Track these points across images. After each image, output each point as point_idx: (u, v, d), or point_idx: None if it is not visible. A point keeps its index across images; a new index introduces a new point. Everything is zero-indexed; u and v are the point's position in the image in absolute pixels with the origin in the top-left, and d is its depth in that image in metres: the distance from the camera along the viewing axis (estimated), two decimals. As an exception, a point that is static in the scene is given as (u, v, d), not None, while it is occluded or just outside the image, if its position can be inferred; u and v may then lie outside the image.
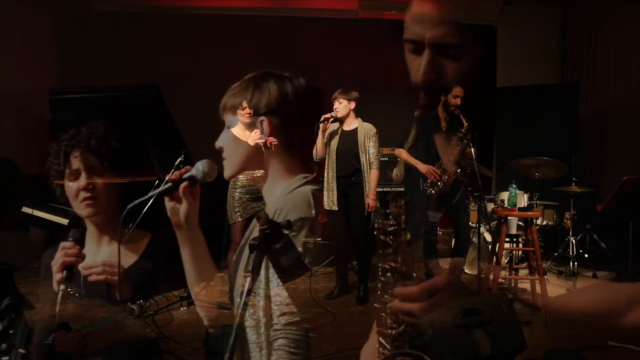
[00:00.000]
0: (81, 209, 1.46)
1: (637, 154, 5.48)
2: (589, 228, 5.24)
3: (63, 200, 1.52)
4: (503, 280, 4.49)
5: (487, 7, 6.96)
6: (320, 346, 3.11)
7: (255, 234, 1.22)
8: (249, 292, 0.92)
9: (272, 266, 0.99)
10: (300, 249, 1.07)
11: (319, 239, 1.15)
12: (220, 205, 4.21)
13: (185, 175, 1.17)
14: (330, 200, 4.30)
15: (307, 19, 6.75)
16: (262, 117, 1.21)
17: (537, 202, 4.59)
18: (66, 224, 4.51)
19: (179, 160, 3.98)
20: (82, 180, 1.44)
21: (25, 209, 4.53)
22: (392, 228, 0.89)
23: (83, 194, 1.44)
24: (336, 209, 4.30)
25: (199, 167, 1.16)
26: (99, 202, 1.45)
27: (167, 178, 1.17)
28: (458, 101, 4.15)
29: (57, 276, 1.31)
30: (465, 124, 4.06)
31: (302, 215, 1.11)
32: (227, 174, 1.25)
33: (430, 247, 4.23)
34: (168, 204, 1.19)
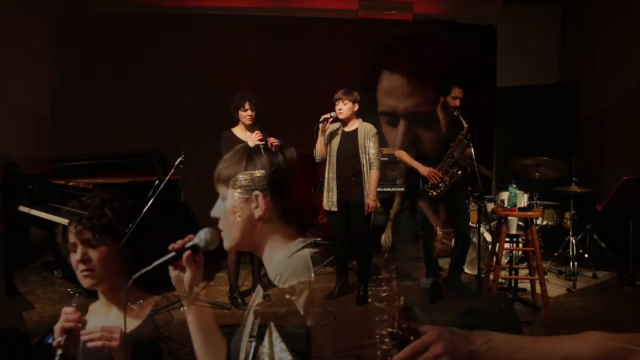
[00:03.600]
0: (82, 280, 1.49)
1: (637, 154, 5.48)
2: (589, 228, 5.24)
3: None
4: (503, 280, 4.49)
5: (487, 7, 6.97)
6: (320, 346, 3.11)
7: (259, 299, 1.22)
8: (255, 357, 0.93)
9: (276, 330, 1.00)
10: (301, 312, 1.09)
11: (319, 238, 1.16)
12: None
13: (188, 244, 1.19)
14: (330, 201, 4.30)
15: (307, 19, 6.75)
16: (257, 192, 1.21)
17: (537, 202, 4.59)
18: (66, 223, 4.52)
19: (179, 160, 3.99)
20: (78, 254, 1.47)
21: (22, 208, 4.53)
22: (385, 294, 0.92)
23: (80, 266, 1.47)
24: (336, 209, 4.30)
25: (202, 236, 1.18)
26: (96, 273, 1.47)
27: (170, 247, 1.19)
28: (457, 102, 4.15)
29: (55, 340, 1.32)
30: (466, 126, 4.06)
31: (302, 279, 1.13)
32: (226, 245, 1.27)
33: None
34: (172, 272, 1.21)
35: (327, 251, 4.77)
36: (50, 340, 1.34)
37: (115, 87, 6.03)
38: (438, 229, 4.56)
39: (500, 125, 6.84)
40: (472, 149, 4.02)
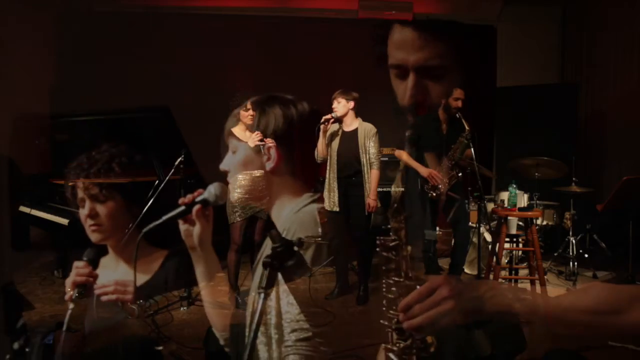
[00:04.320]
0: (90, 235, 1.50)
1: (637, 154, 5.48)
2: (589, 228, 5.23)
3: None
4: (503, 280, 4.49)
5: (487, 7, 6.97)
6: (320, 346, 3.11)
7: (268, 251, 1.24)
8: (263, 310, 0.94)
9: (285, 283, 1.01)
10: (309, 264, 1.10)
11: (319, 238, 1.17)
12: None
13: (198, 199, 1.20)
14: (331, 201, 4.30)
15: (307, 19, 6.75)
16: (269, 144, 1.24)
17: (537, 202, 4.59)
18: (66, 224, 4.52)
19: (179, 160, 3.99)
20: (86, 209, 1.48)
21: (23, 209, 4.54)
22: (393, 243, 0.91)
23: (89, 221, 1.48)
24: (337, 209, 4.30)
25: (211, 190, 1.19)
26: (104, 228, 1.49)
27: (179, 201, 1.20)
28: (459, 103, 4.14)
29: (67, 294, 1.33)
30: (467, 129, 4.05)
31: (309, 234, 1.14)
32: (232, 198, 1.29)
33: (430, 263, 4.24)
34: (182, 226, 1.22)
35: (327, 251, 4.76)
36: (50, 340, 1.34)
37: (115, 87, 6.02)
38: (438, 228, 4.56)
39: (500, 126, 6.83)
40: (472, 149, 4.02)
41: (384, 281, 0.94)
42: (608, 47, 6.22)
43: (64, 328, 1.25)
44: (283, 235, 1.15)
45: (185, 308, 3.91)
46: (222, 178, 1.31)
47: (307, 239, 1.09)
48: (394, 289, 0.93)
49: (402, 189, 1.02)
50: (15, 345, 1.24)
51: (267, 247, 1.26)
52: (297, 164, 1.26)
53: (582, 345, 3.30)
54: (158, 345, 1.52)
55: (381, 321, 0.94)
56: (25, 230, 5.14)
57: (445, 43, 0.93)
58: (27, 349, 1.19)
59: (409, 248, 0.92)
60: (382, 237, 0.94)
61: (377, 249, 0.94)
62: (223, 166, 1.31)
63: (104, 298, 1.32)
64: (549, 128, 6.20)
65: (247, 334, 1.18)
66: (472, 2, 6.90)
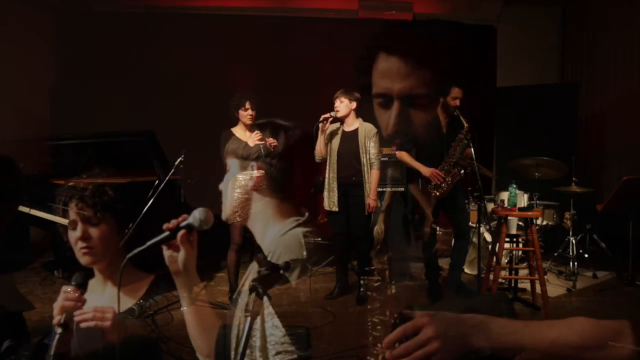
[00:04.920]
0: (80, 257, 1.50)
1: (637, 154, 5.49)
2: (589, 228, 5.24)
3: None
4: (503, 280, 4.49)
5: (487, 7, 6.98)
6: (320, 346, 3.11)
7: (254, 275, 1.24)
8: (249, 333, 0.94)
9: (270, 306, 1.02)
10: (294, 285, 1.12)
11: (319, 238, 1.18)
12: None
13: (183, 224, 1.18)
14: (331, 201, 4.30)
15: (307, 19, 6.75)
16: (252, 163, 1.28)
17: (537, 202, 4.59)
18: (66, 223, 4.52)
19: (179, 160, 3.99)
20: (78, 231, 1.47)
21: (23, 208, 4.53)
22: (377, 284, 0.95)
23: (80, 244, 1.48)
24: (337, 209, 4.30)
25: (196, 215, 1.18)
26: (95, 251, 1.48)
27: (164, 227, 1.18)
28: (457, 102, 4.15)
29: (55, 319, 1.32)
30: (466, 126, 4.06)
31: (294, 257, 1.15)
32: (224, 215, 1.34)
33: (430, 264, 4.27)
34: (166, 252, 1.21)
35: (327, 251, 4.77)
36: (50, 340, 1.34)
37: (115, 87, 6.02)
38: (433, 225, 4.54)
39: (500, 125, 6.84)
40: (472, 149, 4.02)
41: (369, 319, 0.96)
42: (608, 47, 6.22)
43: (52, 353, 1.25)
44: (268, 258, 1.15)
45: (185, 308, 3.91)
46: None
47: (292, 262, 1.09)
48: (379, 327, 0.95)
49: (383, 229, 1.03)
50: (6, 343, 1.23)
51: (253, 270, 1.28)
52: (284, 186, 1.28)
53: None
54: (158, 345, 1.52)
55: (367, 358, 0.95)
56: (26, 230, 5.14)
57: (432, 69, 0.93)
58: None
59: (393, 288, 0.94)
60: (366, 278, 0.96)
61: (361, 290, 0.97)
62: (220, 186, 1.34)
63: (83, 325, 1.31)
64: (549, 128, 6.20)
65: (232, 357, 1.18)
66: (472, 2, 6.90)
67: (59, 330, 1.28)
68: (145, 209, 3.23)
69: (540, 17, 7.06)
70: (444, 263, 4.93)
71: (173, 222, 1.19)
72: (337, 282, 4.54)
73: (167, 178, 3.88)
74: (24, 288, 4.64)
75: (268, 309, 1.08)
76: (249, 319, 0.94)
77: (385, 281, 0.95)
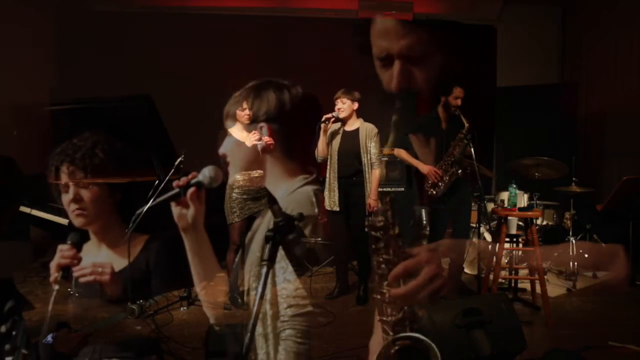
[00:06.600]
0: (73, 219, 1.53)
1: (637, 154, 5.49)
2: (589, 228, 5.23)
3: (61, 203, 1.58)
4: (503, 280, 4.49)
5: (487, 7, 6.97)
6: (320, 346, 3.11)
7: (260, 233, 1.26)
8: (266, 282, 0.94)
9: (286, 255, 1.02)
10: (308, 236, 1.12)
11: (319, 239, 1.18)
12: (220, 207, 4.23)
13: (193, 181, 1.21)
14: (332, 201, 4.30)
15: (307, 19, 6.75)
16: (262, 124, 1.28)
17: (537, 202, 4.58)
18: (66, 223, 4.52)
19: (178, 160, 3.98)
20: (70, 194, 1.50)
21: (23, 209, 4.53)
22: (380, 223, 0.96)
23: (72, 206, 1.51)
24: (338, 209, 4.29)
25: (206, 173, 1.21)
26: (88, 212, 1.51)
27: (174, 184, 1.21)
28: (459, 102, 4.15)
29: (52, 276, 1.36)
30: (466, 125, 4.06)
31: (306, 213, 1.14)
32: (230, 179, 1.34)
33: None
34: (175, 209, 1.23)
35: (327, 251, 4.77)
36: (50, 341, 1.34)
37: (114, 87, 6.02)
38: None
39: (500, 125, 6.84)
40: (472, 149, 4.02)
41: (374, 259, 0.99)
42: (608, 47, 6.22)
43: (50, 307, 1.27)
44: None
45: (185, 308, 3.92)
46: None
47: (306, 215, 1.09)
48: (383, 265, 0.97)
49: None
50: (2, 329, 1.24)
51: (258, 229, 1.29)
52: (292, 145, 1.28)
53: (582, 345, 3.30)
54: (158, 345, 1.53)
55: (374, 295, 0.97)
56: (26, 230, 5.14)
57: (428, 30, 0.94)
58: (13, 333, 1.20)
59: (397, 228, 0.96)
60: (370, 218, 0.97)
61: (366, 229, 0.98)
62: (221, 150, 1.34)
63: (82, 279, 1.34)
64: (549, 128, 6.20)
65: (251, 306, 1.19)
66: (472, 2, 6.90)
67: (56, 287, 1.32)
68: (145, 208, 3.23)
69: (540, 17, 7.06)
70: (444, 263, 4.92)
71: (183, 180, 1.21)
72: (337, 282, 4.54)
73: (167, 178, 3.87)
74: (24, 288, 4.64)
75: (279, 263, 1.09)
76: (265, 268, 0.94)
77: (388, 221, 0.96)
